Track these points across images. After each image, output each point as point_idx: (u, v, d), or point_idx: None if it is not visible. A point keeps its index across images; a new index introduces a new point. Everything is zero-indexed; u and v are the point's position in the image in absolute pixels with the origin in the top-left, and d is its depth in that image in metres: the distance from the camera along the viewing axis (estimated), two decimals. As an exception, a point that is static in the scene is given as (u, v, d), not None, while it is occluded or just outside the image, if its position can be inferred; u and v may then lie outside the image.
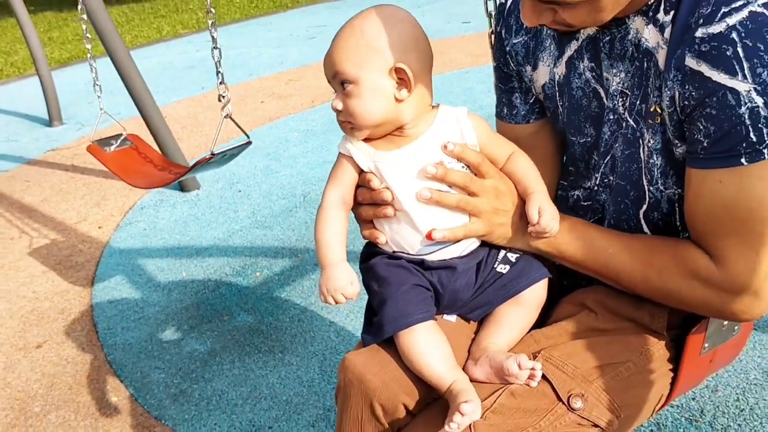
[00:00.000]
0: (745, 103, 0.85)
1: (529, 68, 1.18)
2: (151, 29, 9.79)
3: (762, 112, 0.85)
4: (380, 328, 1.05)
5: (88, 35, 2.54)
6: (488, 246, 1.11)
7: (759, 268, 0.93)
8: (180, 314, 2.60)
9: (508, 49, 1.19)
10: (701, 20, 0.88)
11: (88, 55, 2.58)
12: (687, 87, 0.91)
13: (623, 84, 1.03)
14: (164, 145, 3.52)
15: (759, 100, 0.85)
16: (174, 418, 2.05)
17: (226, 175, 3.89)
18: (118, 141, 2.54)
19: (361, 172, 1.07)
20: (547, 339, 1.10)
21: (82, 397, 2.21)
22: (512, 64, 1.20)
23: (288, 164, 3.95)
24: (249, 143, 2.23)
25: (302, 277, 2.73)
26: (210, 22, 2.03)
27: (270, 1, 10.81)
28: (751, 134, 0.86)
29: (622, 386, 1.05)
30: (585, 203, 1.20)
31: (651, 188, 1.05)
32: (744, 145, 0.87)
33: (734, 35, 0.85)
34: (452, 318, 1.14)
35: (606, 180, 1.13)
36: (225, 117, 2.06)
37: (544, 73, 1.15)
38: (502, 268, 1.10)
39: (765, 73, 0.84)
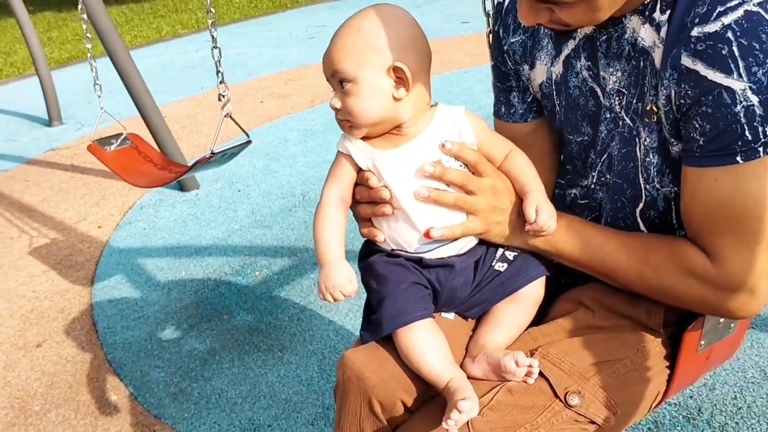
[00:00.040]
0: (741, 102, 0.86)
1: (526, 67, 1.18)
2: (150, 29, 9.80)
3: (757, 111, 0.86)
4: (379, 326, 1.06)
5: (88, 35, 2.54)
6: (486, 244, 1.12)
7: (754, 265, 0.94)
8: (179, 313, 2.60)
9: (505, 48, 1.20)
10: (697, 19, 0.89)
11: (89, 55, 2.59)
12: (683, 86, 0.91)
13: (620, 83, 1.03)
14: (164, 144, 3.52)
15: (754, 99, 0.85)
16: (173, 416, 2.06)
17: (226, 174, 3.89)
18: (119, 140, 2.55)
19: (359, 170, 1.08)
20: (544, 336, 1.10)
21: (82, 395, 2.22)
22: (510, 63, 1.21)
23: (287, 164, 3.95)
24: (249, 142, 2.24)
25: (301, 276, 2.74)
26: (210, 21, 2.04)
27: (269, 1, 10.82)
28: (747, 133, 0.87)
29: (618, 383, 1.05)
30: (582, 201, 1.20)
31: (647, 186, 1.06)
32: (739, 143, 0.88)
33: (730, 34, 0.86)
34: (450, 315, 1.14)
35: (603, 178, 1.14)
36: (225, 116, 2.07)
37: (541, 72, 1.16)
38: (500, 266, 1.11)
39: (760, 71, 0.85)
